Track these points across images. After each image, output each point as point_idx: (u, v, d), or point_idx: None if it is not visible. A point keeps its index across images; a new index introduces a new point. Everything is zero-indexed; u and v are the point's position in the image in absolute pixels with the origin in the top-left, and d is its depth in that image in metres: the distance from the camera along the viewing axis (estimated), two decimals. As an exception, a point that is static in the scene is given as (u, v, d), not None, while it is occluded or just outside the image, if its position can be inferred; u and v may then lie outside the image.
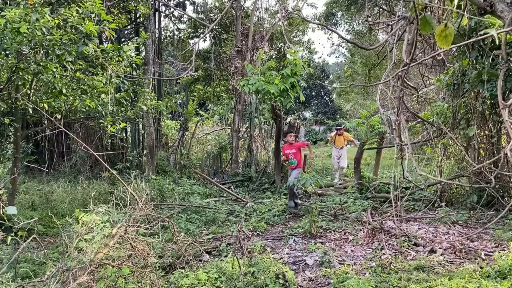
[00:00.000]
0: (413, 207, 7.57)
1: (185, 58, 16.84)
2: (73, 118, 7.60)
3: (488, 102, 6.81)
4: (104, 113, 6.81)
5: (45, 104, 6.16)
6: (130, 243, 3.51)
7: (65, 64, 5.69)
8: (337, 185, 10.73)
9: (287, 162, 8.80)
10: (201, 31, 17.51)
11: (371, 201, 8.07)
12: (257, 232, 6.42)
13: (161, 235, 4.78)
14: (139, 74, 9.46)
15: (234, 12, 14.18)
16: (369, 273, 4.26)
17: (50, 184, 9.43)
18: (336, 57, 48.08)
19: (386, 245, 5.16)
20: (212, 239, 5.81)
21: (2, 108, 6.02)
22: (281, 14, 13.25)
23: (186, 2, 15.77)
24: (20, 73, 5.50)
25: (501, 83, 1.83)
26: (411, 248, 5.11)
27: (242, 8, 14.26)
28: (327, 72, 39.47)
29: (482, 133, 7.04)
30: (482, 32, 5.23)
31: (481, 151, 7.07)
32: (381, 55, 11.28)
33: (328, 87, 36.86)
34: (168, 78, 16.20)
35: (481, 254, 4.73)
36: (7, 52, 5.10)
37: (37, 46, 5.19)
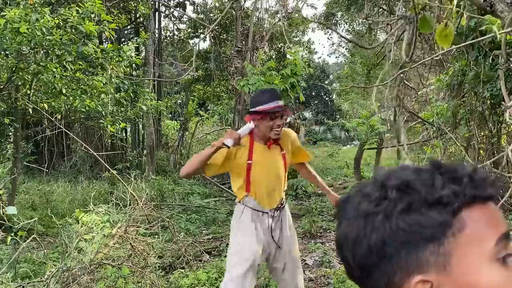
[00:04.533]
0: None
1: (185, 58, 16.84)
2: (73, 118, 7.61)
3: (488, 102, 6.81)
4: (104, 113, 6.81)
5: (45, 104, 6.16)
6: (130, 243, 3.51)
7: (65, 64, 5.69)
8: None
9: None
10: (201, 31, 17.50)
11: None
12: (257, 232, 6.42)
13: (161, 235, 4.78)
14: (139, 74, 9.46)
15: (234, 12, 14.18)
16: (369, 273, 4.26)
17: (50, 184, 9.42)
18: (336, 57, 48.02)
19: (386, 245, 5.15)
20: (212, 239, 5.81)
21: (2, 108, 6.02)
22: (281, 14, 13.26)
23: (186, 2, 15.79)
24: (20, 73, 5.50)
25: (503, 84, 1.83)
26: (411, 248, 5.11)
27: (242, 8, 14.26)
28: (327, 72, 39.46)
29: (482, 133, 7.03)
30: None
31: (481, 151, 7.07)
32: (381, 55, 11.28)
33: (329, 88, 36.86)
34: (168, 79, 16.21)
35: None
36: (7, 52, 5.10)
37: (37, 46, 5.19)
